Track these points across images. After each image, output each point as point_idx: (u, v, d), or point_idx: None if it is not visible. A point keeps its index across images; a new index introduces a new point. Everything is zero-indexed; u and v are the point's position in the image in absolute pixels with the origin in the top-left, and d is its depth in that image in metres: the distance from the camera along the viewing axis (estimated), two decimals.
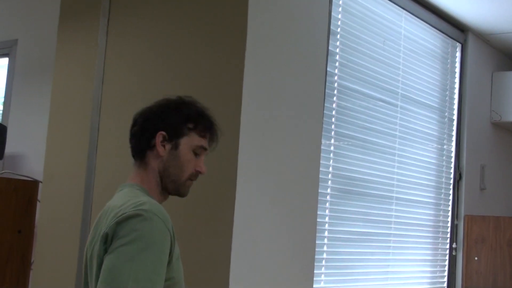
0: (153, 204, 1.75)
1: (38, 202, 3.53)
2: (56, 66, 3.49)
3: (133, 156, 1.94)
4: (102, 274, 1.65)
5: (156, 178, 1.89)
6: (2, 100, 4.64)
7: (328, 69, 3.40)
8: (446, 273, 4.57)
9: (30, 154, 4.22)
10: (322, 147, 3.32)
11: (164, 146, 1.87)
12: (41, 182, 3.49)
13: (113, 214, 1.73)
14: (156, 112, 1.91)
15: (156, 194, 1.90)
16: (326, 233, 3.48)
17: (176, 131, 1.88)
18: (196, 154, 1.91)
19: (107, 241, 1.70)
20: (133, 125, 1.94)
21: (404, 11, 4.12)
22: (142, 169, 1.90)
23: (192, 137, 1.90)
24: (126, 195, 1.83)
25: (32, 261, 3.48)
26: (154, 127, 1.88)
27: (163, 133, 1.87)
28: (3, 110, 4.57)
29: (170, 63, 3.03)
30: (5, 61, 4.66)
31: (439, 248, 4.54)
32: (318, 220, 3.28)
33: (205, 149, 1.93)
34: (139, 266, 1.63)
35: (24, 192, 3.48)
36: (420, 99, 4.32)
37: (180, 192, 1.92)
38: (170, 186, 1.90)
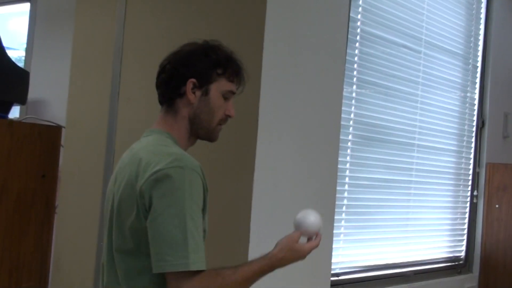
0: (187, 157, 1.74)
1: (61, 147, 3.56)
2: (77, 10, 3.48)
3: (161, 103, 1.92)
4: (158, 241, 1.65)
5: (186, 125, 1.88)
6: (25, 46, 4.65)
7: (351, 14, 3.36)
8: (466, 221, 4.58)
9: (52, 100, 4.24)
10: (344, 94, 3.30)
11: (194, 93, 1.86)
12: (64, 127, 3.52)
13: (149, 168, 1.71)
14: (184, 59, 1.89)
15: (185, 141, 1.89)
16: (347, 180, 3.49)
17: (206, 77, 1.87)
18: (225, 99, 1.90)
19: (144, 197, 1.69)
20: (161, 72, 1.92)
21: None
22: (170, 117, 1.89)
23: (222, 82, 1.88)
24: (157, 143, 1.82)
25: (56, 205, 3.53)
26: (183, 74, 1.86)
27: (193, 80, 1.85)
28: (26, 56, 4.58)
29: (193, 5, 3.01)
30: (27, 6, 4.65)
31: (460, 195, 4.54)
32: (339, 166, 3.28)
33: (233, 93, 1.93)
34: (192, 223, 1.65)
35: (47, 137, 3.50)
36: (444, 45, 4.26)
37: (211, 137, 1.92)
38: (201, 132, 1.90)
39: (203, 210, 1.75)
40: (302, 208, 2.99)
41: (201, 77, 1.86)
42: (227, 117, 1.92)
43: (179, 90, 1.87)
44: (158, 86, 1.93)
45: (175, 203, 1.65)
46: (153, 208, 1.67)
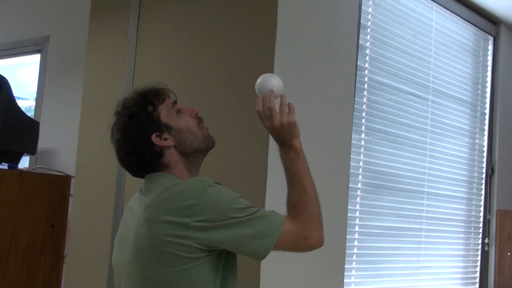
0: (202, 177, 1.77)
1: (70, 197, 3.57)
2: (87, 61, 3.52)
3: (149, 173, 1.90)
4: (244, 244, 1.70)
5: (182, 165, 1.87)
6: (35, 96, 4.69)
7: (358, 63, 3.39)
8: (478, 269, 4.53)
9: (62, 149, 4.26)
10: (352, 142, 3.31)
11: (166, 139, 1.85)
12: (73, 177, 3.53)
13: (185, 205, 1.69)
14: (129, 139, 1.86)
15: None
16: (356, 228, 3.47)
17: (154, 123, 1.86)
18: (179, 111, 1.91)
19: (200, 233, 1.67)
20: (129, 165, 1.90)
21: (435, 4, 4.09)
22: (166, 169, 1.87)
23: (162, 109, 1.88)
24: (166, 187, 1.78)
25: (65, 255, 3.52)
26: (145, 144, 1.84)
27: (153, 134, 1.84)
28: (36, 106, 4.63)
29: (201, 53, 3.04)
30: (37, 57, 4.71)
31: (471, 243, 4.50)
32: (348, 215, 3.27)
33: (175, 101, 1.93)
34: (249, 210, 1.71)
35: (57, 187, 3.52)
36: (451, 93, 4.28)
37: (208, 143, 1.92)
38: (199, 150, 1.90)
39: None
40: (312, 257, 2.97)
41: (152, 127, 1.85)
42: (196, 116, 1.92)
43: (156, 153, 1.85)
44: (139, 173, 1.91)
45: (230, 213, 1.69)
46: (218, 233, 1.68)
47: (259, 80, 1.89)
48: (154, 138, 1.84)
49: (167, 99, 1.93)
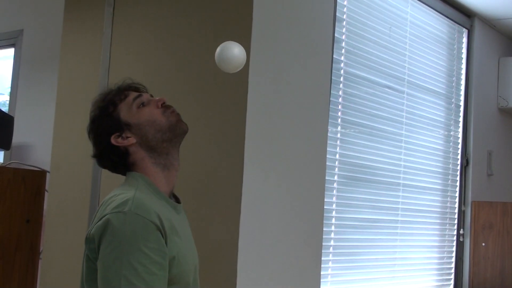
0: (136, 201, 1.66)
1: (46, 192, 3.54)
2: (61, 55, 3.49)
3: (123, 173, 1.89)
4: (99, 284, 1.62)
5: (150, 160, 1.82)
6: (9, 90, 4.64)
7: (334, 56, 3.40)
8: (453, 259, 4.58)
9: (37, 144, 4.23)
10: (328, 135, 3.32)
11: (127, 137, 1.82)
12: (49, 172, 3.50)
13: (98, 214, 1.70)
14: (96, 142, 1.86)
15: (160, 176, 1.83)
16: (333, 220, 3.48)
17: (113, 123, 1.83)
18: (142, 104, 1.85)
19: (94, 242, 1.66)
20: (104, 167, 1.90)
21: None
22: (135, 168, 1.83)
23: (122, 108, 1.84)
24: (121, 187, 1.79)
25: (40, 250, 3.50)
26: (109, 147, 1.83)
27: (114, 135, 1.82)
28: (10, 101, 4.58)
29: (176, 51, 3.03)
30: (11, 51, 4.66)
31: (446, 234, 4.54)
32: (325, 207, 3.28)
33: (138, 95, 1.87)
34: (130, 271, 1.56)
35: (32, 182, 3.49)
36: (426, 85, 4.30)
37: (177, 130, 1.84)
38: (167, 140, 1.83)
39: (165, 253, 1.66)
40: (289, 249, 2.98)
41: (112, 128, 1.83)
42: (162, 105, 1.85)
43: (122, 153, 1.83)
44: (114, 169, 1.89)
45: (113, 249, 1.60)
46: (99, 254, 1.64)
47: (218, 49, 1.80)
48: (113, 139, 1.81)
49: (130, 94, 1.87)
